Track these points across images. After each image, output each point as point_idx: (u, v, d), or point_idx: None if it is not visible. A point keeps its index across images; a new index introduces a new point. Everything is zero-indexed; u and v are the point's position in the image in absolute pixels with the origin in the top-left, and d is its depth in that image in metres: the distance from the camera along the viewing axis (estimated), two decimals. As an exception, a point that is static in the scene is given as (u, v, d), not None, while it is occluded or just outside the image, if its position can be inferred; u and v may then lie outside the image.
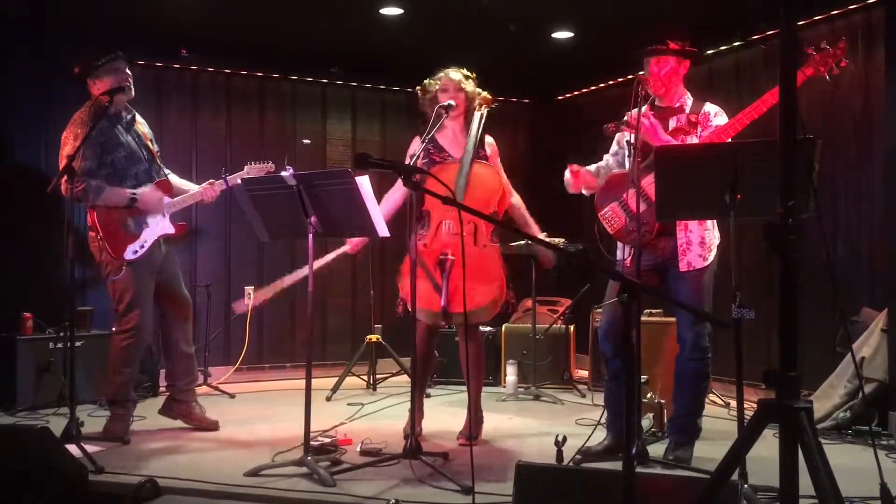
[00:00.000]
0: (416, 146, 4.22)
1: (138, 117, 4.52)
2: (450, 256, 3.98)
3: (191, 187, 4.58)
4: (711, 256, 3.79)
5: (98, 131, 4.15)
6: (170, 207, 4.35)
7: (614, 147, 4.06)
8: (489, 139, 4.30)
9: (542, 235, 4.47)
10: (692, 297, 3.73)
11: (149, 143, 4.47)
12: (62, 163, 4.10)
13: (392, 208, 4.32)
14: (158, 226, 4.31)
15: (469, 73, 4.27)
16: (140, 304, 4.26)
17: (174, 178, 4.60)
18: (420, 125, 4.26)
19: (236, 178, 4.34)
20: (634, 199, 3.64)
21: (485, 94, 4.30)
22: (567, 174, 4.00)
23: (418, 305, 3.93)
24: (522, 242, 5.34)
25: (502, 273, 4.11)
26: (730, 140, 3.61)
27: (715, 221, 3.81)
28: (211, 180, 4.49)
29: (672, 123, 3.84)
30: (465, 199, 4.01)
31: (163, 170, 4.52)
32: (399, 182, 4.32)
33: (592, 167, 4.05)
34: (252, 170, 4.55)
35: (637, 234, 3.60)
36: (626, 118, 3.77)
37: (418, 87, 4.32)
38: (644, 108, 3.69)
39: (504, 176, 4.28)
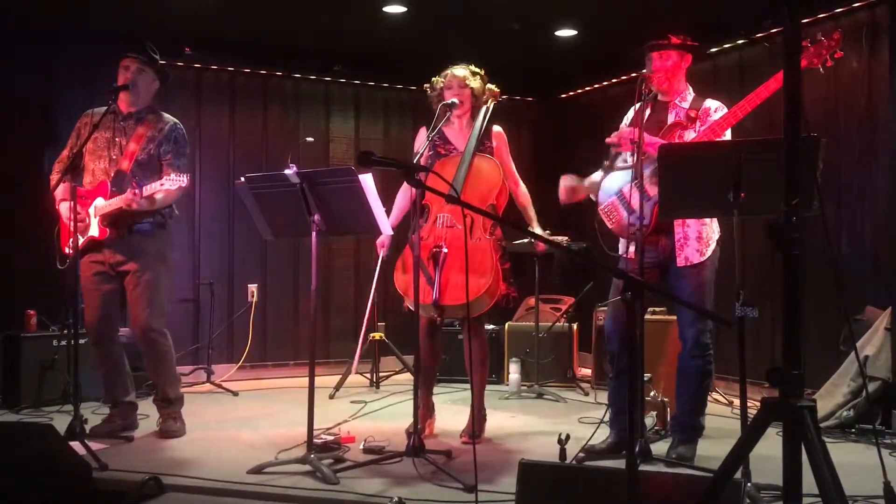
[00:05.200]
0: (422, 138, 4.23)
1: (161, 122, 4.31)
2: (443, 249, 3.98)
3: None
4: (709, 252, 3.78)
5: (85, 123, 4.31)
6: (100, 209, 4.19)
7: (626, 157, 4.03)
8: (497, 129, 4.28)
9: (537, 229, 4.34)
10: (693, 293, 3.72)
11: (132, 145, 4.22)
12: None
13: (401, 214, 4.34)
14: (88, 226, 4.21)
15: (477, 70, 4.26)
16: (84, 301, 4.27)
17: (152, 185, 4.11)
18: (429, 118, 4.25)
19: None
20: (633, 194, 3.63)
21: (493, 88, 4.29)
22: (562, 185, 4.01)
23: (413, 298, 3.93)
24: (526, 241, 5.33)
25: (497, 265, 4.05)
26: (727, 132, 3.61)
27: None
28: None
29: (671, 118, 3.83)
30: (465, 192, 4.02)
31: (123, 174, 4.20)
32: (404, 186, 4.33)
33: (597, 177, 3.96)
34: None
35: (637, 229, 3.60)
36: (624, 123, 3.77)
37: (426, 85, 4.33)
38: (639, 107, 3.68)
39: (511, 166, 4.29)
